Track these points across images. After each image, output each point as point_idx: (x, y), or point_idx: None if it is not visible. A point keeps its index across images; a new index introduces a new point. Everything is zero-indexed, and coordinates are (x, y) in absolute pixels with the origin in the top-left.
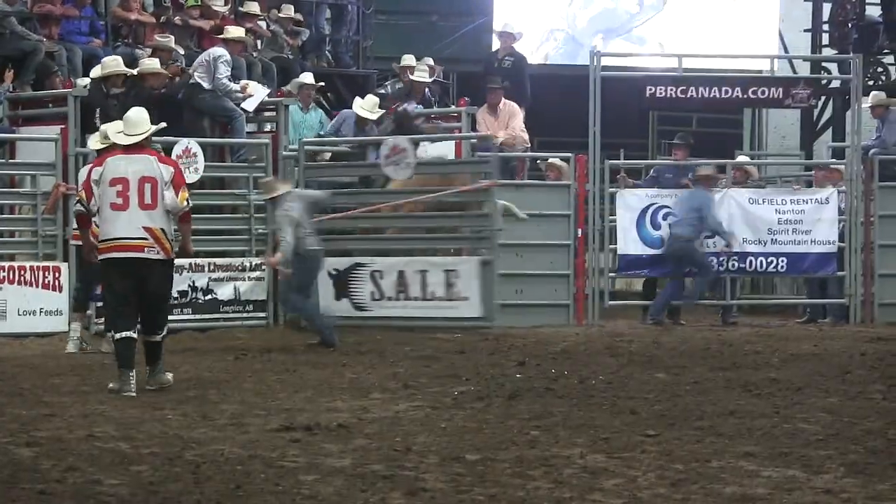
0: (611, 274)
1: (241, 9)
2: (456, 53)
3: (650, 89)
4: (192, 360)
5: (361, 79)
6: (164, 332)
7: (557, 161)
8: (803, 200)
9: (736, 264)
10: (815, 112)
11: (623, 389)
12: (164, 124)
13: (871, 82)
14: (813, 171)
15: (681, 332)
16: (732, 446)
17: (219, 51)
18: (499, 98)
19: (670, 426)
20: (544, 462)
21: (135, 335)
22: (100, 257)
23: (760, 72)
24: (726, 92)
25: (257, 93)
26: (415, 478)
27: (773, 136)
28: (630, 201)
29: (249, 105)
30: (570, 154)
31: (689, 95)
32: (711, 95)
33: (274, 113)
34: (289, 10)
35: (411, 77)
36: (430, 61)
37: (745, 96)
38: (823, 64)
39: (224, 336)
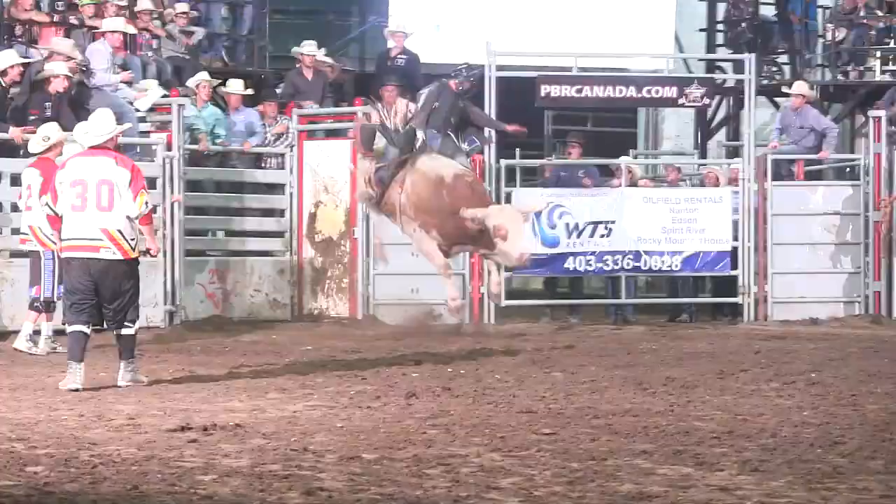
0: (507, 273)
1: (135, 8)
2: (351, 52)
3: (545, 88)
4: (88, 360)
5: (257, 77)
6: (136, 326)
7: None
8: (697, 199)
9: (631, 263)
10: (710, 111)
11: (519, 388)
12: (129, 125)
13: (765, 81)
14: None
15: (577, 330)
16: (628, 444)
17: (94, 45)
18: (394, 97)
19: (566, 425)
20: (441, 461)
21: (87, 330)
22: (62, 255)
23: (655, 71)
24: (621, 91)
25: (151, 92)
26: (312, 477)
27: (667, 136)
28: (526, 201)
29: (142, 104)
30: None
31: (584, 94)
32: (606, 95)
33: (168, 112)
34: (182, 7)
35: (301, 51)
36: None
37: (640, 95)
38: (718, 63)
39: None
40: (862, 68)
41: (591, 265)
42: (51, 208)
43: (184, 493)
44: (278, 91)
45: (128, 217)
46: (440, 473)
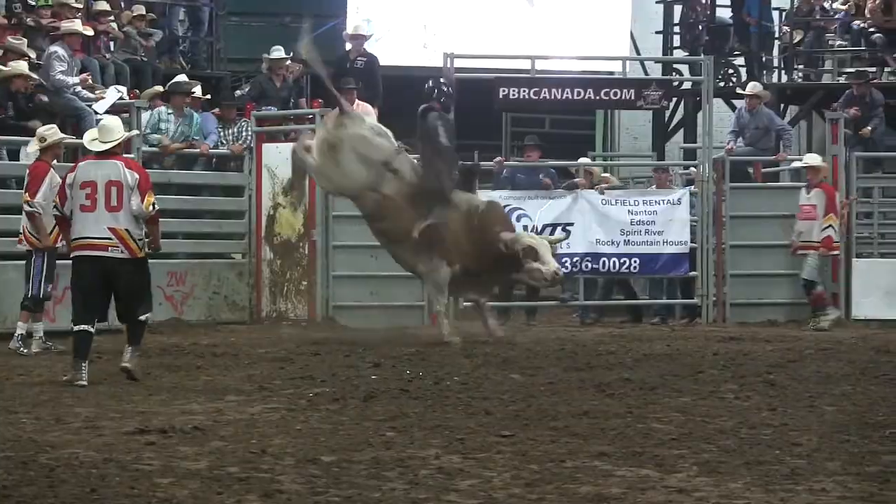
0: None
1: (93, 9)
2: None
3: (503, 91)
4: (46, 363)
5: (215, 81)
6: (148, 314)
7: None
8: (655, 201)
9: (589, 265)
10: (667, 113)
11: (478, 390)
12: (136, 131)
13: (721, 84)
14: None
15: (535, 332)
16: (587, 446)
17: (52, 47)
18: (353, 99)
19: (525, 427)
20: (400, 463)
21: (92, 329)
22: (71, 255)
23: (612, 73)
24: (579, 93)
25: (109, 94)
26: (271, 480)
27: (625, 138)
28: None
29: (100, 107)
30: None
31: (541, 97)
32: (564, 97)
33: (127, 115)
34: (140, 10)
35: (271, 58)
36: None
37: (598, 98)
38: (675, 66)
39: None
40: (818, 70)
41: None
42: (58, 209)
43: (142, 495)
44: (238, 93)
45: (136, 217)
46: (399, 475)
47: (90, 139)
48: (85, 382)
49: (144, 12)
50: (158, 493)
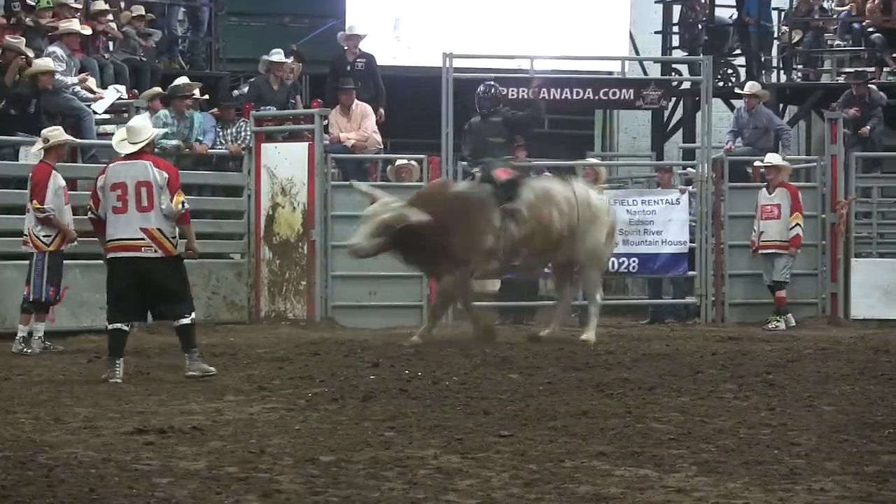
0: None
1: (92, 9)
2: (308, 55)
3: (503, 91)
4: (45, 362)
5: (214, 80)
6: (192, 316)
7: (403, 163)
8: (654, 201)
9: None
10: (666, 113)
11: (476, 390)
12: (165, 129)
13: (720, 84)
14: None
15: (534, 332)
16: (585, 446)
17: (51, 47)
18: (351, 99)
19: (524, 426)
20: (399, 463)
21: (126, 328)
22: (106, 256)
23: (611, 73)
24: (577, 93)
25: (108, 94)
26: (269, 479)
27: (624, 137)
28: None
29: (99, 107)
30: (423, 156)
31: (541, 97)
32: (563, 97)
33: (126, 114)
34: (139, 10)
35: (270, 60)
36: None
37: (597, 97)
38: (674, 65)
39: (77, 339)
40: (817, 70)
41: (548, 267)
42: (93, 212)
43: (141, 495)
44: (236, 93)
45: (167, 216)
46: (397, 475)
47: (118, 140)
48: (119, 379)
49: (143, 12)
50: (157, 493)
